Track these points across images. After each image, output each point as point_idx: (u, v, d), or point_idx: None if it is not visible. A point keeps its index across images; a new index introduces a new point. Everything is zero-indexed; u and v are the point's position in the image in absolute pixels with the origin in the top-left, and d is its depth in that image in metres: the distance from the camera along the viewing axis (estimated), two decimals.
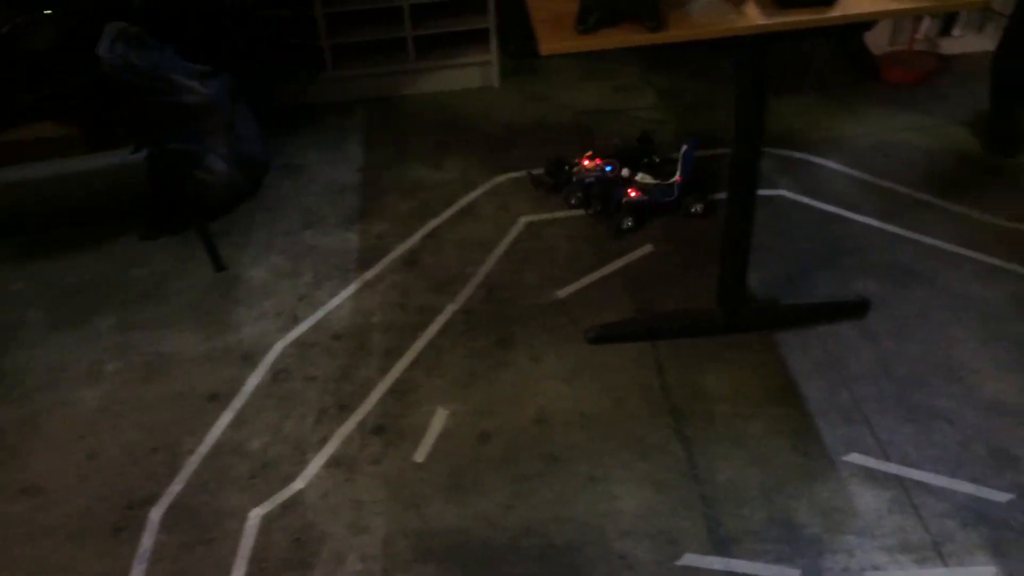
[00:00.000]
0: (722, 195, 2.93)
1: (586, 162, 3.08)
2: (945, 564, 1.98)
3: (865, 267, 2.75)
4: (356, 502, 2.17)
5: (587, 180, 3.05)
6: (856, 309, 2.61)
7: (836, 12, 1.99)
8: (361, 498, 2.18)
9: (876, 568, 1.98)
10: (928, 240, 2.82)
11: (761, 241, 2.84)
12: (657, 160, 3.10)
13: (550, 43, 1.99)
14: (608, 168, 3.03)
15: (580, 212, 3.06)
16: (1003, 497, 2.10)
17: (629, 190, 2.98)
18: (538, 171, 3.19)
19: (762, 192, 3.04)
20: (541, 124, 3.53)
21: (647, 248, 2.89)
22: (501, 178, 3.25)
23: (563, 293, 2.74)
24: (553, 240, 2.95)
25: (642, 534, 2.07)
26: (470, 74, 3.75)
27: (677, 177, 2.99)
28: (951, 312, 2.58)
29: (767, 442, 2.27)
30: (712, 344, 2.54)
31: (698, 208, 2.97)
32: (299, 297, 2.77)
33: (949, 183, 3.05)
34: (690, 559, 2.02)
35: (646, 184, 3.00)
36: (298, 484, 2.22)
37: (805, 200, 3.02)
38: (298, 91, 3.65)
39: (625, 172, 3.04)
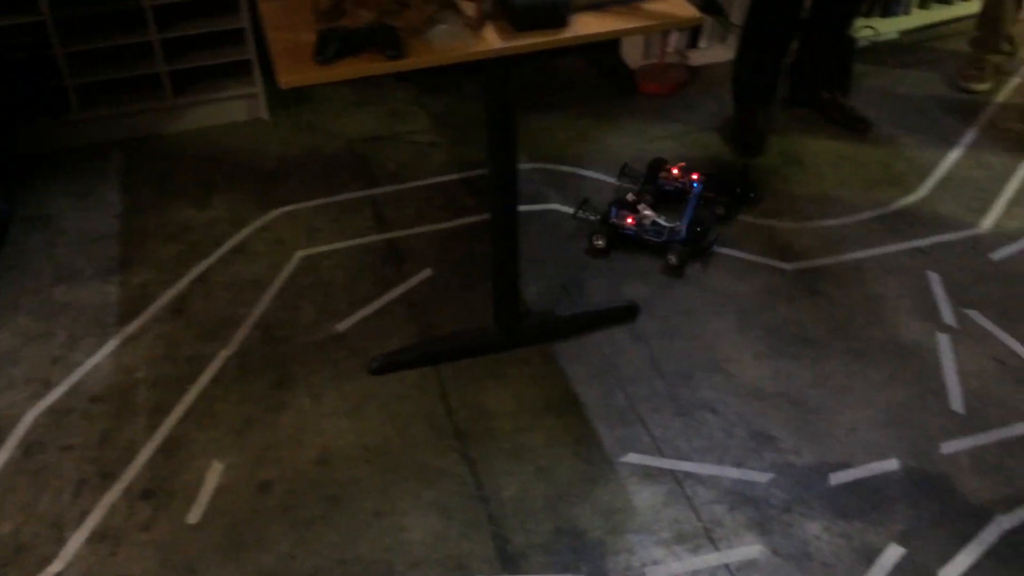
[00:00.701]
0: (726, 251, 2.93)
1: (675, 170, 3.03)
2: (717, 549, 2.09)
3: (634, 272, 2.88)
4: None
5: (666, 187, 3.03)
6: (627, 313, 2.72)
7: (568, 34, 2.07)
8: (129, 571, 2.03)
9: (656, 563, 2.06)
10: None
11: (536, 255, 2.92)
12: (752, 196, 3.08)
13: (289, 75, 1.95)
14: (695, 186, 2.95)
15: (358, 241, 3.01)
16: (764, 477, 2.24)
17: (628, 216, 2.91)
18: (637, 170, 3.17)
19: (533, 207, 3.13)
20: (314, 155, 3.46)
21: (426, 272, 2.89)
22: (275, 213, 3.15)
23: (343, 326, 2.69)
24: (331, 273, 2.89)
25: (432, 563, 2.05)
26: (236, 107, 3.62)
27: (681, 224, 2.85)
28: (712, 307, 2.74)
29: (549, 452, 2.31)
30: (493, 362, 2.57)
31: (672, 259, 2.82)
32: (52, 360, 2.56)
33: None
34: None
35: (644, 217, 2.88)
36: (56, 566, 2.04)
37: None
38: (43, 136, 3.39)
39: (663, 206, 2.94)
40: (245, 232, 3.07)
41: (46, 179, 3.27)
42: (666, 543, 2.10)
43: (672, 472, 2.26)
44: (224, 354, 2.59)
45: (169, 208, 3.16)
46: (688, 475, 2.26)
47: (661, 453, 2.31)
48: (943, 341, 2.60)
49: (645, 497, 2.21)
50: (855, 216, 3.09)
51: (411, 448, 2.32)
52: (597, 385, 2.50)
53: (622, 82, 3.84)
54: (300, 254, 2.97)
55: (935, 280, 2.81)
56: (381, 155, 3.45)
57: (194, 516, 2.15)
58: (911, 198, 3.17)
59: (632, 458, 2.30)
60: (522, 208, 2.51)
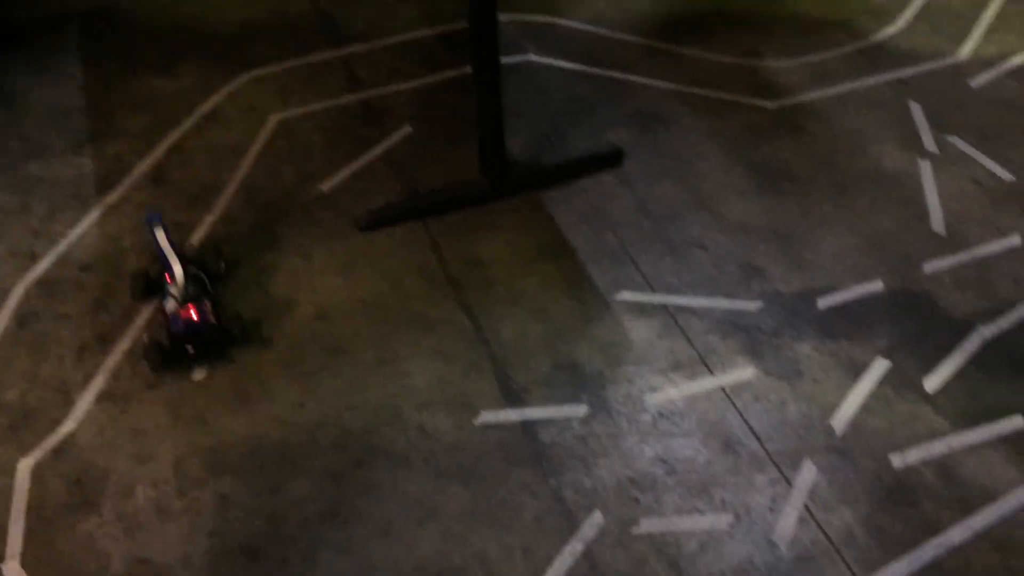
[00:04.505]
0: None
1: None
2: (712, 373, 2.15)
3: (616, 118, 2.85)
4: (137, 431, 2.05)
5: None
6: (612, 158, 2.71)
7: None
8: (142, 426, 2.06)
9: (654, 389, 2.13)
10: (668, 85, 2.96)
11: (516, 107, 2.87)
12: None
13: None
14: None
15: (333, 102, 2.95)
16: (754, 306, 2.30)
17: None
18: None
19: (510, 59, 3.06)
20: (278, 16, 3.33)
21: (406, 129, 2.84)
22: (244, 78, 3.06)
23: (327, 186, 2.66)
24: (309, 135, 2.83)
25: (438, 404, 2.11)
26: None
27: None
28: (695, 148, 2.74)
29: (545, 295, 2.34)
30: (482, 213, 2.57)
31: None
32: (34, 233, 2.52)
33: (679, 29, 3.19)
34: (486, 417, 2.08)
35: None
36: (68, 426, 2.06)
37: (552, 61, 3.06)
38: None
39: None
40: (215, 99, 2.98)
41: (3, 54, 3.13)
42: (663, 371, 2.16)
43: (665, 306, 2.31)
44: (210, 219, 2.56)
45: (133, 79, 3.05)
46: (681, 308, 2.30)
47: (653, 289, 2.35)
48: (925, 168, 2.63)
49: (640, 331, 2.26)
50: (837, 50, 3.06)
51: (407, 299, 2.34)
52: (587, 229, 2.52)
53: None
54: (275, 118, 2.90)
55: (917, 109, 2.82)
56: (348, 13, 3.33)
57: (199, 373, 2.17)
58: (891, 29, 3.14)
59: (625, 296, 2.34)
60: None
